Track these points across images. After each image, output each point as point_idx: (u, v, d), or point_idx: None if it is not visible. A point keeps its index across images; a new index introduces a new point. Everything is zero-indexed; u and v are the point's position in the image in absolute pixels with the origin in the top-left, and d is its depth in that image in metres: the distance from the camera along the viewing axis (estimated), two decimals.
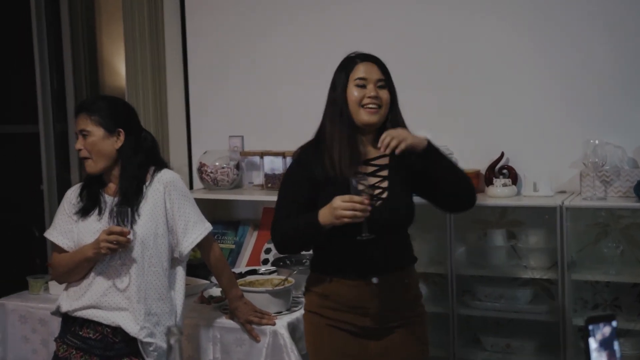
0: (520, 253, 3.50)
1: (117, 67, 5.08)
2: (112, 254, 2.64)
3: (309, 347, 2.68)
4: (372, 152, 2.57)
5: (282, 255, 3.71)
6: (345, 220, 2.36)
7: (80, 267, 2.69)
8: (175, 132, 4.42)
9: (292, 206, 2.54)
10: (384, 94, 2.53)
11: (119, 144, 2.72)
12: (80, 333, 2.70)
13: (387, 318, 2.55)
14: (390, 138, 2.41)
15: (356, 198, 2.35)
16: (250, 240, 4.12)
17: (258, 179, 4.19)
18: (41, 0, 5.00)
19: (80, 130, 2.70)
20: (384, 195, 2.51)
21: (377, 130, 2.55)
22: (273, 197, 3.91)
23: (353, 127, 2.53)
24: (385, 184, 2.53)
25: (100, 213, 2.71)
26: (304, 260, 3.51)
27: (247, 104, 4.26)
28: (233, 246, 4.11)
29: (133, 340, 2.68)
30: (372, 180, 2.52)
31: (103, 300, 2.67)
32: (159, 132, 4.33)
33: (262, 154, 4.11)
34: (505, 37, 3.69)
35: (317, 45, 4.08)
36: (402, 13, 3.89)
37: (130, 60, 4.39)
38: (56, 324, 2.88)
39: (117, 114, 2.75)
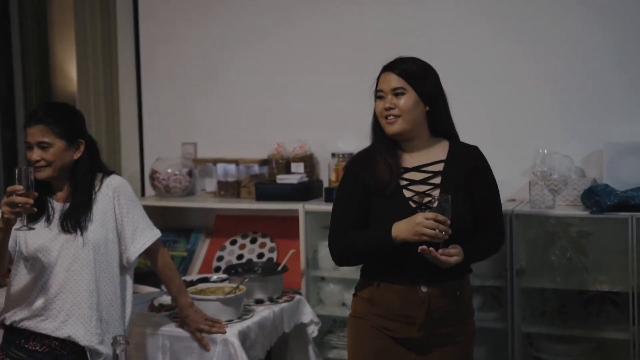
0: None
1: (68, 72, 5.01)
2: (19, 218, 2.43)
3: (349, 350, 2.59)
4: (425, 157, 2.52)
5: (234, 263, 3.71)
6: (425, 238, 2.32)
7: None
8: (127, 139, 4.38)
9: (350, 216, 2.50)
10: (402, 102, 2.46)
11: (79, 154, 2.70)
12: (26, 346, 2.64)
13: (433, 330, 2.45)
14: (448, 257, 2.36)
15: (440, 217, 2.31)
16: (203, 247, 4.10)
17: (211, 186, 4.17)
18: None
19: (38, 142, 2.63)
20: (435, 204, 2.40)
21: (431, 133, 2.54)
22: (226, 205, 3.96)
23: (389, 138, 2.53)
24: (436, 192, 2.45)
25: (48, 220, 2.67)
26: (255, 268, 3.50)
27: (201, 111, 4.24)
28: (185, 254, 4.08)
29: (82, 352, 2.63)
30: (423, 187, 2.47)
31: (51, 307, 2.62)
32: (110, 139, 4.29)
33: (215, 161, 4.09)
34: (455, 47, 3.73)
35: (271, 54, 4.08)
36: (357, 27, 3.91)
37: (82, 66, 4.34)
38: None
39: (76, 124, 2.72)
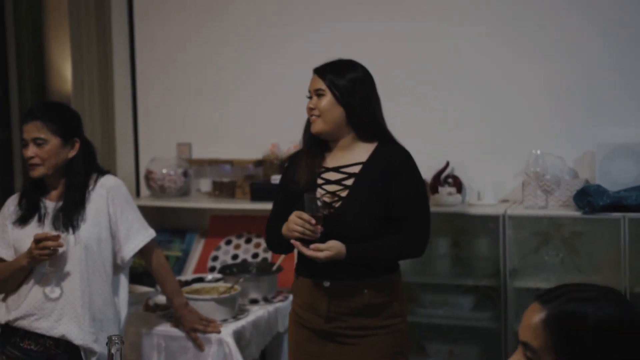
0: (464, 260, 3.56)
1: (63, 72, 5.01)
2: (50, 260, 2.60)
3: (289, 343, 2.72)
4: (346, 158, 2.57)
5: (229, 263, 3.73)
6: (295, 234, 2.42)
7: (15, 276, 2.66)
8: (122, 139, 4.38)
9: (277, 210, 2.66)
10: (320, 103, 2.55)
11: (73, 153, 2.71)
12: (22, 345, 2.66)
13: (341, 322, 2.52)
14: (317, 252, 2.41)
15: (305, 216, 2.40)
16: (197, 247, 4.11)
17: (206, 186, 4.18)
18: None
19: (34, 139, 2.65)
20: (337, 204, 2.50)
21: (361, 134, 2.56)
22: (221, 205, 3.97)
23: (315, 138, 2.60)
24: (345, 193, 2.51)
25: (40, 220, 2.68)
26: (250, 268, 3.51)
27: (196, 111, 4.25)
28: (180, 254, 4.09)
29: (76, 351, 2.64)
30: (333, 187, 2.53)
31: (44, 306, 2.63)
32: (105, 139, 4.29)
33: (210, 162, 4.11)
34: (450, 50, 3.75)
35: (265, 55, 4.09)
36: (352, 30, 3.93)
37: (77, 66, 4.34)
38: None
39: (72, 122, 2.74)
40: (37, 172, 2.67)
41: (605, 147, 3.39)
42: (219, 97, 4.21)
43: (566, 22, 3.57)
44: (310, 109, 2.58)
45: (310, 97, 2.60)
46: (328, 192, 2.52)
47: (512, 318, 3.34)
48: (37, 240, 2.54)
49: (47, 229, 2.65)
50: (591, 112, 3.54)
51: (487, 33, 3.69)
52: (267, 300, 3.38)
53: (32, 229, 2.66)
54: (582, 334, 1.44)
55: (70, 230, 2.64)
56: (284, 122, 4.06)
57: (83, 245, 2.65)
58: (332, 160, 2.59)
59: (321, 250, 2.40)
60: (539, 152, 3.42)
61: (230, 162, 4.05)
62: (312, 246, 2.42)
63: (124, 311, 2.78)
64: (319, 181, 2.56)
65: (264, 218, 3.98)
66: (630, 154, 3.35)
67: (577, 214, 3.27)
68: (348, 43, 3.89)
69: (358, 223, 2.48)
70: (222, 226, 4.09)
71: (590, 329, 1.44)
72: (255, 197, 3.87)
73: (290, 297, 3.46)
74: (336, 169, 2.57)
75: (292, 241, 2.43)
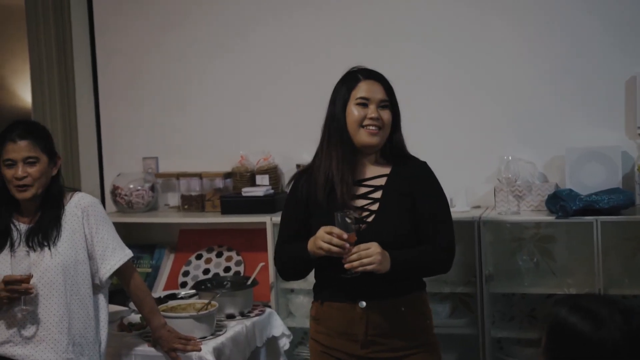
0: None
1: (19, 89, 4.89)
2: (16, 302, 2.52)
3: None
4: (369, 172, 2.46)
5: (202, 279, 3.67)
6: (322, 252, 2.27)
7: None
8: (86, 155, 4.28)
9: (290, 230, 2.47)
10: (386, 115, 2.41)
11: (55, 170, 2.66)
12: None
13: (378, 346, 2.38)
14: (357, 259, 2.24)
15: (336, 231, 2.24)
16: (167, 263, 4.04)
17: (174, 200, 4.12)
18: None
19: (25, 158, 2.56)
20: (370, 219, 2.38)
21: (379, 150, 2.46)
22: (190, 219, 3.91)
23: (351, 147, 2.42)
24: (375, 207, 2.40)
25: (12, 245, 2.59)
26: (225, 283, 3.46)
27: (161, 125, 4.18)
28: (150, 270, 4.01)
29: None
30: (362, 202, 2.40)
31: (20, 332, 2.55)
32: (68, 155, 4.18)
33: (178, 176, 4.04)
34: (423, 55, 3.75)
35: (232, 65, 4.05)
36: (319, 37, 3.91)
37: (37, 81, 4.23)
38: None
39: (52, 139, 2.69)
40: (29, 193, 2.59)
41: (575, 152, 3.43)
42: (184, 109, 4.15)
43: (530, 30, 3.60)
44: (372, 119, 2.38)
45: (363, 105, 2.39)
46: (355, 208, 2.37)
47: (489, 324, 3.35)
48: (7, 282, 2.46)
49: (22, 252, 2.56)
50: (560, 117, 3.57)
51: (457, 40, 3.70)
52: (243, 315, 3.33)
53: (4, 255, 2.58)
54: (566, 344, 1.49)
55: (46, 250, 2.56)
56: (252, 133, 4.03)
57: (61, 268, 2.57)
58: (358, 173, 2.45)
59: (366, 250, 2.23)
60: (510, 157, 3.44)
61: (199, 175, 4.00)
62: (347, 266, 2.23)
63: (104, 333, 2.71)
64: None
65: (234, 231, 3.97)
66: (599, 157, 3.40)
67: (551, 218, 3.30)
68: (316, 49, 3.89)
69: (395, 234, 2.34)
70: (192, 240, 4.03)
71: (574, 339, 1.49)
72: (226, 210, 3.82)
73: (268, 310, 3.45)
74: (358, 183, 2.43)
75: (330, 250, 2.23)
